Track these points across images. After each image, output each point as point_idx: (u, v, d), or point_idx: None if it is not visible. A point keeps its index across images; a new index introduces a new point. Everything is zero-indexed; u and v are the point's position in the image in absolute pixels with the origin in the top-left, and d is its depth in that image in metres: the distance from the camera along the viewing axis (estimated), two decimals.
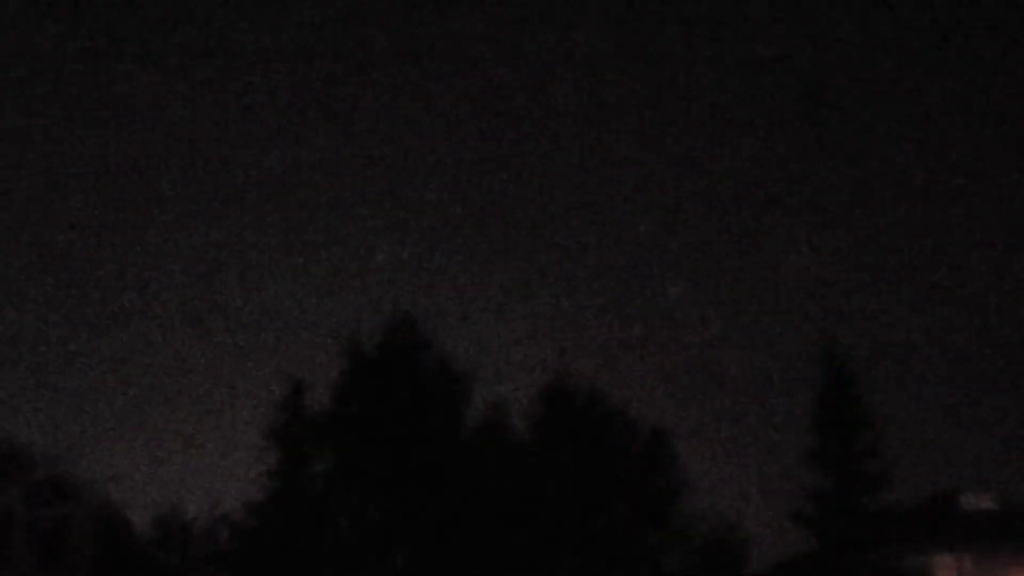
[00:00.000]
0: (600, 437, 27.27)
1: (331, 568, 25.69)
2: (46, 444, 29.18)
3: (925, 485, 29.14)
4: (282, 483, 26.44)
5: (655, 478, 27.46)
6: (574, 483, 26.30)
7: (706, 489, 32.45)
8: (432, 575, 26.12)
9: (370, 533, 26.50)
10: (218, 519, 28.18)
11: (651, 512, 27.34)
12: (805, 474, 27.33)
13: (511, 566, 25.65)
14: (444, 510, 25.65)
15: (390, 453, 26.33)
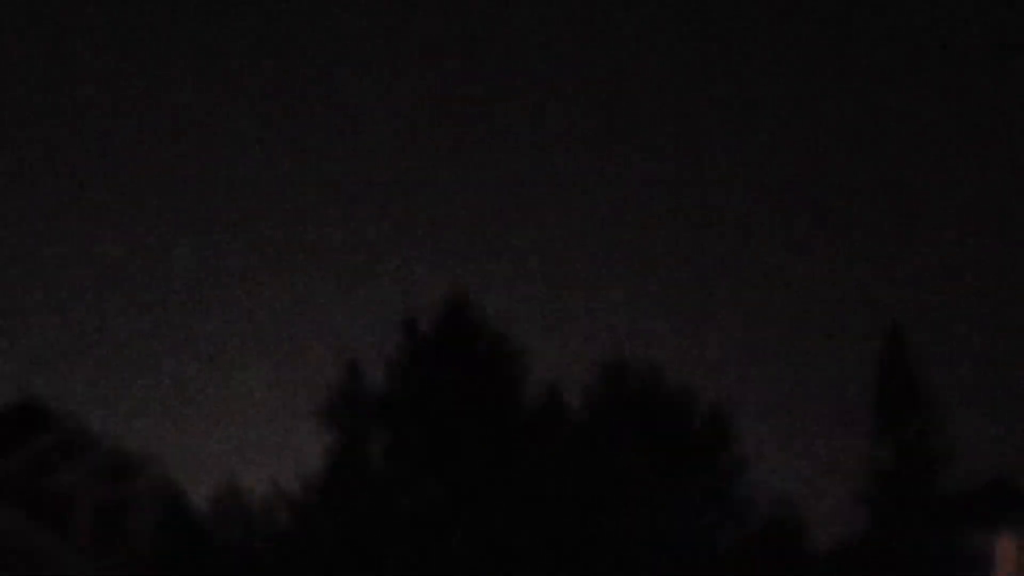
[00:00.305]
0: (658, 415, 26.60)
1: (389, 545, 25.36)
2: (106, 421, 29.81)
3: (988, 466, 29.04)
4: (340, 460, 26.48)
5: (714, 456, 26.80)
6: (631, 461, 25.79)
7: (765, 468, 32.43)
8: (490, 554, 25.75)
9: (428, 511, 26.24)
10: (276, 497, 27.02)
11: (709, 490, 26.62)
12: (866, 454, 27.06)
13: (567, 545, 25.01)
14: (501, 489, 25.36)
15: (447, 432, 26.17)
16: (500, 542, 25.63)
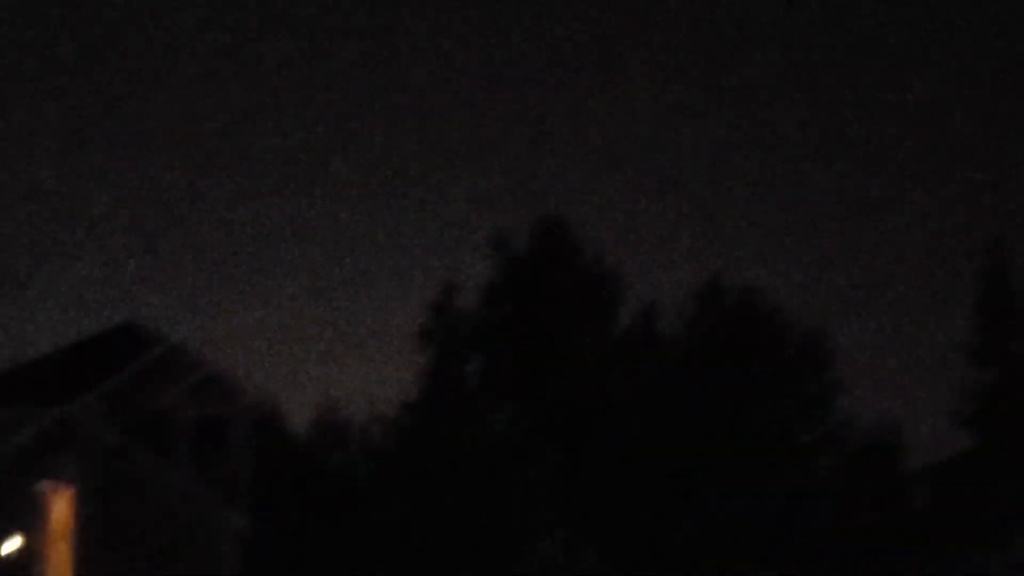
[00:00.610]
0: (754, 337, 27.32)
1: (482, 467, 26.33)
2: (207, 344, 30.41)
3: None
4: (434, 382, 27.46)
5: (810, 379, 27.47)
6: (727, 385, 26.30)
7: (862, 389, 32.72)
8: (580, 477, 26.93)
9: (520, 434, 27.33)
10: (373, 418, 28.30)
11: (805, 414, 27.41)
12: (966, 372, 27.07)
13: (660, 470, 25.73)
14: (594, 412, 26.20)
15: (540, 354, 27.12)
16: (590, 465, 26.45)
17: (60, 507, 23.36)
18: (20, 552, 22.14)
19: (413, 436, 27.85)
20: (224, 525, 26.15)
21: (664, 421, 26.43)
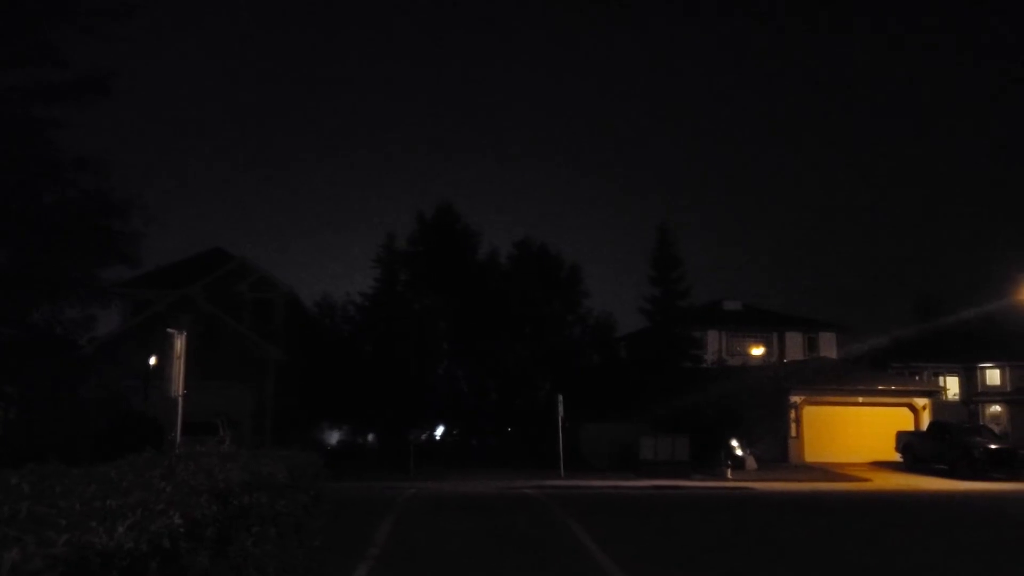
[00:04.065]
0: (545, 267, 38.89)
1: (409, 328, 36.71)
2: (257, 257, 42.24)
3: None
4: (384, 286, 38.34)
5: (570, 289, 38.96)
6: (531, 290, 37.77)
7: (597, 296, 52.20)
8: (459, 335, 37.84)
9: (428, 312, 37.88)
10: (349, 303, 38.85)
11: (569, 306, 39.06)
12: (646, 288, 37.85)
13: (501, 328, 37.09)
14: (467, 302, 37.12)
15: (438, 272, 37.76)
16: (469, 324, 36.98)
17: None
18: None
19: (372, 312, 37.48)
20: (269, 356, 36.49)
21: (502, 306, 36.50)
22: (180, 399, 18.67)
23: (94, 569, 2.32)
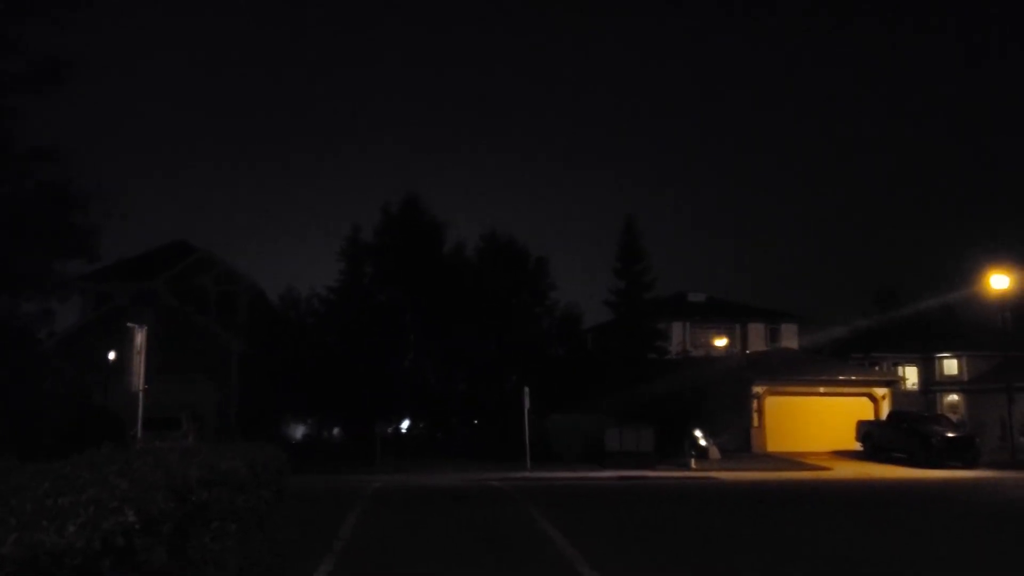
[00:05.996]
0: (512, 260, 38.91)
1: (372, 320, 37.00)
2: (223, 250, 41.63)
3: None
4: (349, 279, 38.13)
5: (538, 281, 39.07)
6: (499, 282, 37.83)
7: (564, 288, 53.72)
8: (423, 326, 37.70)
9: (393, 305, 37.97)
10: (314, 295, 38.68)
11: (536, 298, 39.00)
12: (611, 280, 37.78)
13: (467, 321, 37.25)
14: (430, 294, 37.08)
15: (404, 265, 37.48)
16: (435, 317, 36.96)
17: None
18: None
19: (337, 305, 37.42)
20: (233, 349, 36.79)
21: (469, 298, 36.57)
22: (141, 394, 18.46)
23: (44, 568, 2.29)
